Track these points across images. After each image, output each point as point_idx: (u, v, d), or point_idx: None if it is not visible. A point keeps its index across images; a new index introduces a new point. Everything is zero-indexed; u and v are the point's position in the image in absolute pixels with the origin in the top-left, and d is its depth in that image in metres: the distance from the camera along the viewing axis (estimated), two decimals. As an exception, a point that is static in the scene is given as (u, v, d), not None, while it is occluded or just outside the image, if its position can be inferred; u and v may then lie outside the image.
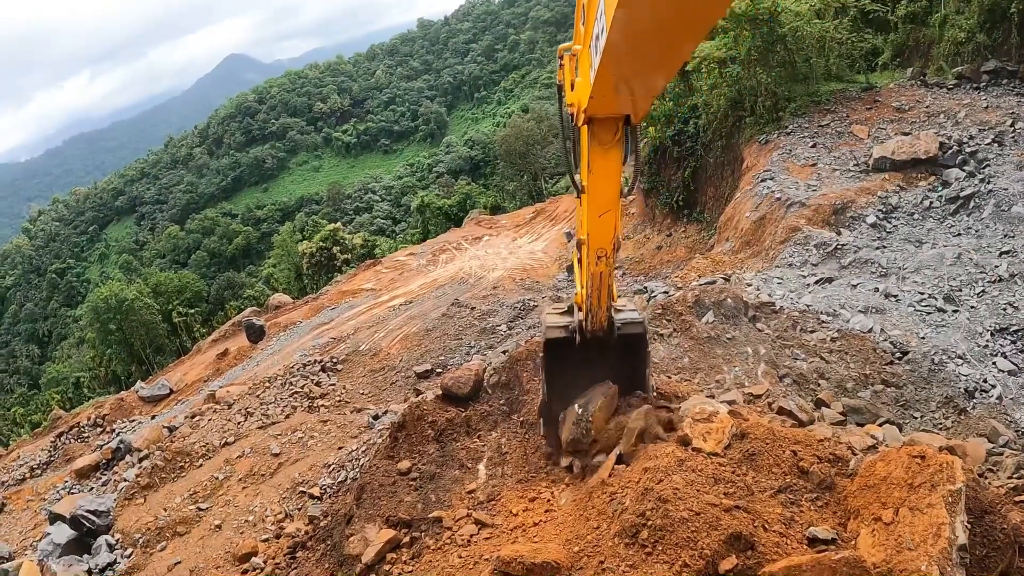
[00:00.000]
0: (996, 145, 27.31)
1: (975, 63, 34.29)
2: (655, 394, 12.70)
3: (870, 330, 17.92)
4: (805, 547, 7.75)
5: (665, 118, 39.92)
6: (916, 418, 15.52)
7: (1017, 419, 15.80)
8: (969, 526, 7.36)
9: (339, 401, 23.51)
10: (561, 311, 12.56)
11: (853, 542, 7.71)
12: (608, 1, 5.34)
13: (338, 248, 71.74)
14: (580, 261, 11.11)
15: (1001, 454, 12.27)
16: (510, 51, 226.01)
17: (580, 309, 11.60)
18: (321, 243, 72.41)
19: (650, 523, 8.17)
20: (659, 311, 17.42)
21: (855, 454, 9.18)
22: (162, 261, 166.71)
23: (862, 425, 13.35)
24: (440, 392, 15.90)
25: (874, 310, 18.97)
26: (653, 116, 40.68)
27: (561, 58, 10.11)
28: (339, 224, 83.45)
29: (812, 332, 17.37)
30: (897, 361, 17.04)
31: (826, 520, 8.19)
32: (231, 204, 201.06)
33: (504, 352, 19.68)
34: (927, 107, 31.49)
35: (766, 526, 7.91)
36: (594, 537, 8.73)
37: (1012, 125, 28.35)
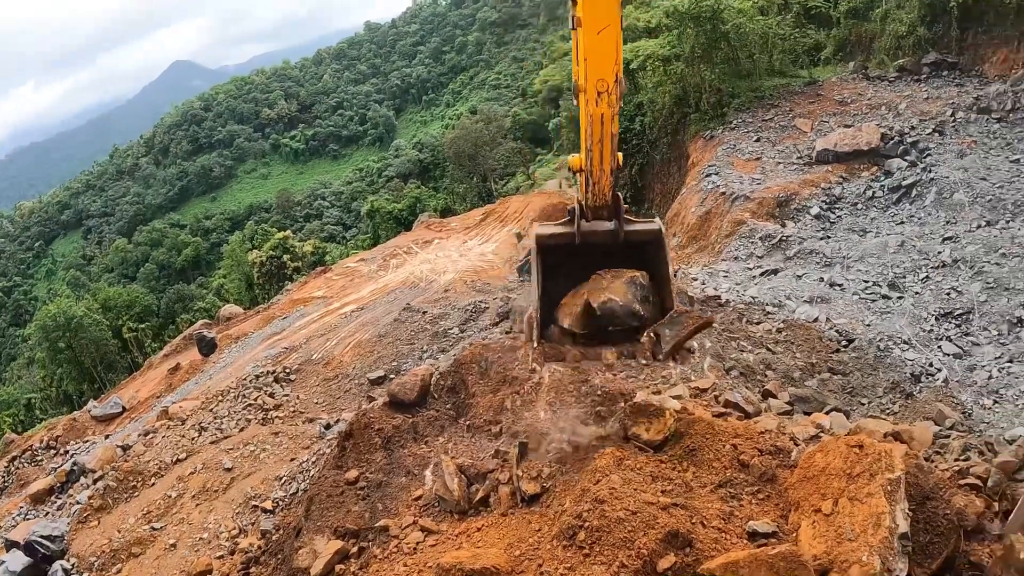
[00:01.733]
0: (937, 135, 27.77)
1: (916, 56, 34.96)
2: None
3: (816, 319, 18.02)
4: (745, 542, 7.66)
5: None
6: (863, 404, 15.60)
7: (963, 401, 15.99)
8: (911, 513, 7.29)
9: (293, 412, 23.07)
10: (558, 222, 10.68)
11: (795, 534, 7.63)
12: None
13: (288, 256, 70.93)
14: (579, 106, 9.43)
15: (948, 437, 12.31)
16: (458, 53, 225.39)
17: (579, 188, 9.87)
18: (271, 252, 71.57)
19: (587, 524, 8.04)
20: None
21: (797, 444, 9.13)
22: (110, 276, 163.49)
23: (809, 414, 13.32)
24: (387, 399, 15.77)
25: (819, 299, 19.10)
26: (598, 114, 40.66)
27: None
28: (289, 232, 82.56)
29: (758, 324, 17.39)
30: (843, 349, 17.15)
31: (767, 513, 8.10)
32: (179, 215, 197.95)
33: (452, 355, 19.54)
34: (869, 99, 31.96)
35: (705, 522, 7.82)
36: (535, 540, 8.59)
37: (952, 115, 28.82)
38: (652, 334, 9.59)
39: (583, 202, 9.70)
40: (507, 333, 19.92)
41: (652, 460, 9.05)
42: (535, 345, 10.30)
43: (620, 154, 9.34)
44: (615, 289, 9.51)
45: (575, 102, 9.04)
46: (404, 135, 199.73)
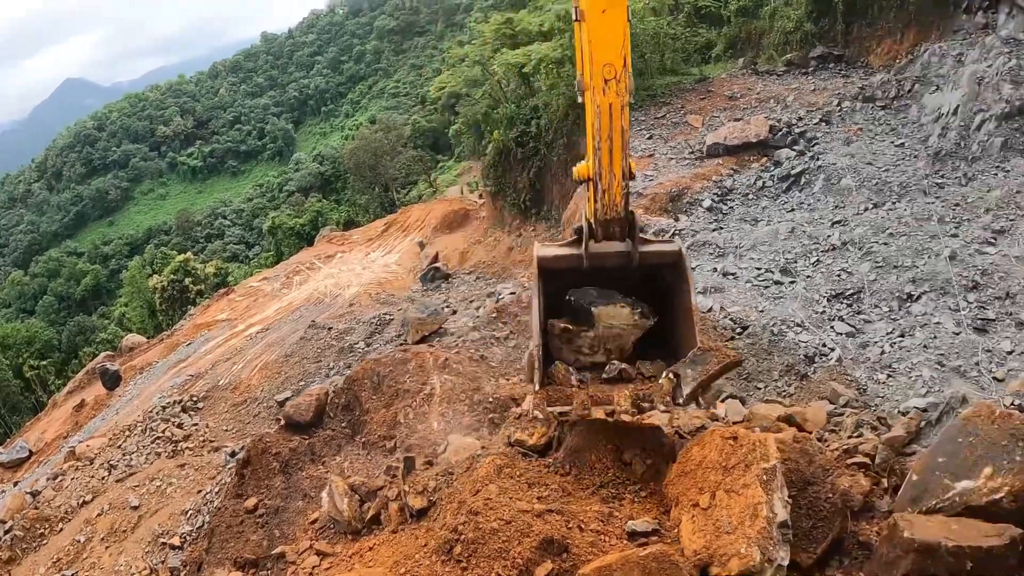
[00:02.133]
0: (824, 124, 28.53)
1: (803, 50, 36.07)
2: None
3: (710, 309, 18.16)
4: (625, 542, 7.54)
5: (507, 120, 40.25)
6: (760, 389, 15.76)
7: (858, 378, 16.30)
8: (790, 500, 7.23)
9: (203, 441, 22.59)
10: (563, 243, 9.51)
11: (676, 530, 7.54)
12: None
13: (190, 279, 69.11)
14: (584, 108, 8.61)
15: (842, 414, 12.51)
16: (356, 62, 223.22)
17: (586, 201, 8.78)
18: (172, 276, 69.64)
19: (463, 537, 7.85)
20: (494, 315, 17.29)
21: (682, 437, 9.04)
22: (8, 311, 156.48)
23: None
24: (284, 421, 15.75)
25: (713, 289, 19.29)
26: (495, 119, 41.09)
27: None
28: (189, 254, 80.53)
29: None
30: (738, 336, 17.32)
31: (649, 511, 8.00)
32: (76, 242, 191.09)
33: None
34: (758, 94, 32.74)
35: (582, 526, 7.68)
36: (420, 556, 8.36)
37: (838, 104, 29.65)
38: (672, 375, 9.02)
39: (591, 218, 8.68)
40: (399, 346, 19.73)
41: (534, 466, 8.86)
42: (536, 388, 9.40)
43: (632, 161, 8.50)
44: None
45: (580, 99, 8.45)
46: (304, 148, 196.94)
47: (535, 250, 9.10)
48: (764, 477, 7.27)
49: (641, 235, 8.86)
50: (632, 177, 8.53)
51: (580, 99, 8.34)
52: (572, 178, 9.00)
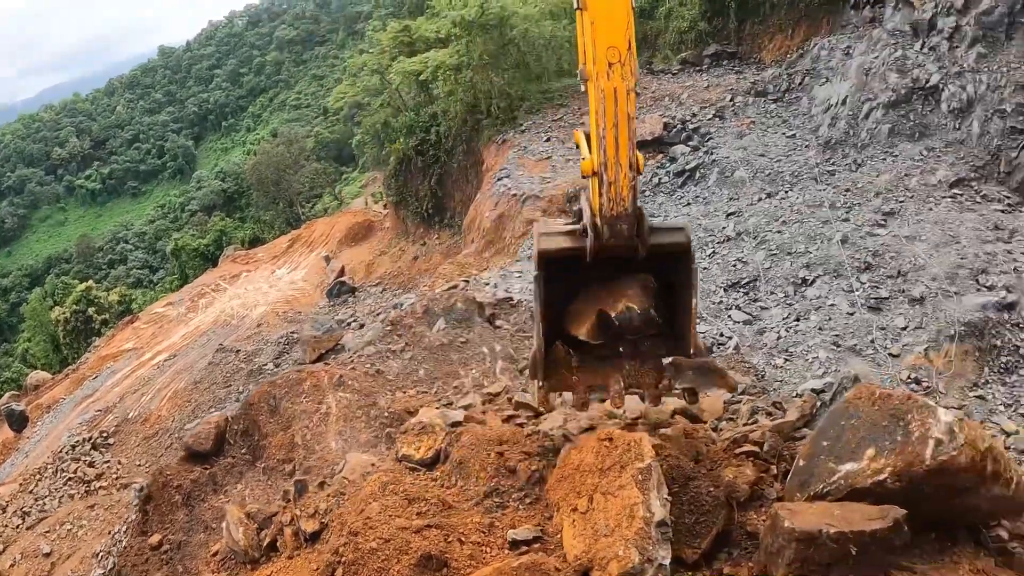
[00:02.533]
0: (717, 119, 29.13)
1: (698, 49, 36.90)
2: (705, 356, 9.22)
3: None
4: (506, 552, 7.42)
5: (407, 129, 40.14)
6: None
7: (756, 364, 16.61)
8: (670, 499, 7.19)
9: (116, 479, 22.13)
10: (566, 223, 8.85)
11: (558, 536, 7.44)
12: None
13: (94, 309, 66.90)
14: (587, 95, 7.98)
15: (739, 402, 12.54)
16: (256, 74, 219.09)
17: (588, 200, 8.05)
18: (75, 306, 67.33)
19: (343, 559, 7.64)
20: (389, 327, 17.12)
21: (570, 440, 8.95)
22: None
23: (604, 401, 13.33)
24: (184, 452, 15.39)
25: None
26: (395, 128, 40.97)
27: None
28: (91, 282, 78.08)
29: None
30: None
31: (533, 518, 7.89)
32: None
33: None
34: (653, 92, 33.30)
35: (462, 539, 7.52)
36: (310, 580, 8.14)
37: (731, 100, 30.32)
38: (672, 367, 8.68)
39: (596, 216, 7.88)
40: (295, 366, 19.42)
41: (420, 480, 8.69)
42: (540, 384, 8.88)
43: (640, 156, 7.85)
44: (632, 296, 8.23)
45: (583, 88, 7.87)
46: (205, 165, 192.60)
47: (536, 234, 8.42)
48: (639, 477, 7.20)
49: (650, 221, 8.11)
50: (640, 171, 7.90)
51: (583, 88, 7.84)
52: (581, 175, 8.12)
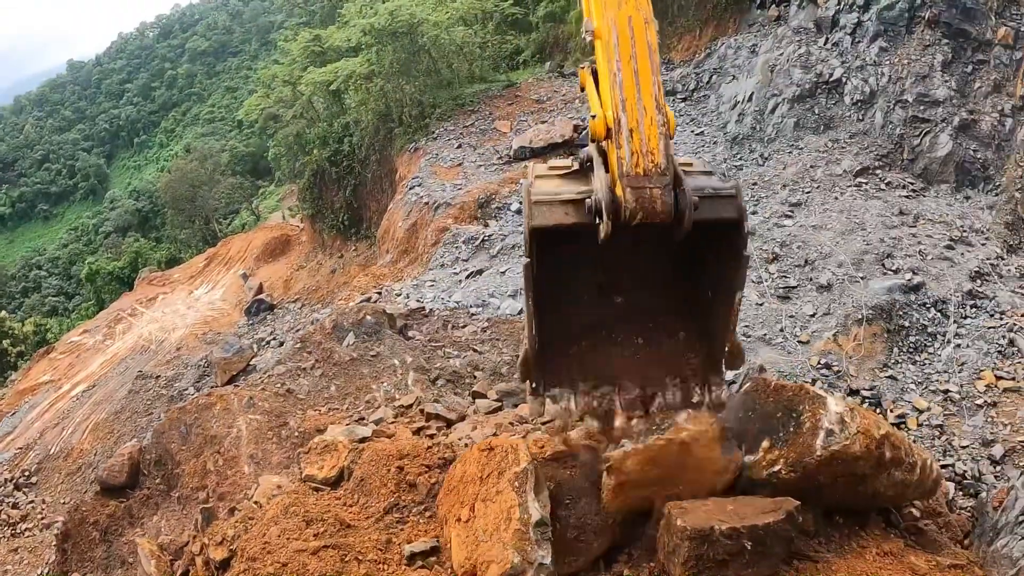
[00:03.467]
0: (622, 117, 29.33)
1: (607, 51, 37.08)
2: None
3: (520, 312, 18.22)
4: (404, 567, 7.41)
5: (320, 140, 39.79)
6: (578, 384, 15.86)
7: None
8: (547, 503, 7.19)
9: (42, 519, 21.58)
10: (564, 173, 6.79)
11: (447, 549, 7.46)
12: None
13: (8, 341, 64.45)
14: (593, 75, 6.84)
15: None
16: (168, 88, 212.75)
17: (603, 160, 6.21)
18: (-12, 339, 65.03)
19: None
20: (299, 345, 16.93)
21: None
22: None
23: (516, 406, 13.31)
24: (99, 487, 15.36)
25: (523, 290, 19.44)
26: (308, 139, 40.58)
27: None
28: (4, 313, 75.25)
29: (464, 327, 17.43)
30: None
31: (432, 531, 7.89)
32: None
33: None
34: (563, 96, 33.69)
35: (359, 557, 7.47)
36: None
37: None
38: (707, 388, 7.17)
39: (614, 182, 5.89)
40: (207, 389, 19.10)
41: (322, 500, 8.57)
42: (533, 387, 7.20)
43: (671, 112, 6.14)
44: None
45: (586, 39, 6.60)
46: (118, 184, 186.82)
47: (528, 197, 6.29)
48: (516, 482, 7.18)
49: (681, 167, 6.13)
50: (670, 120, 6.06)
51: (588, 39, 6.59)
52: (591, 141, 6.46)
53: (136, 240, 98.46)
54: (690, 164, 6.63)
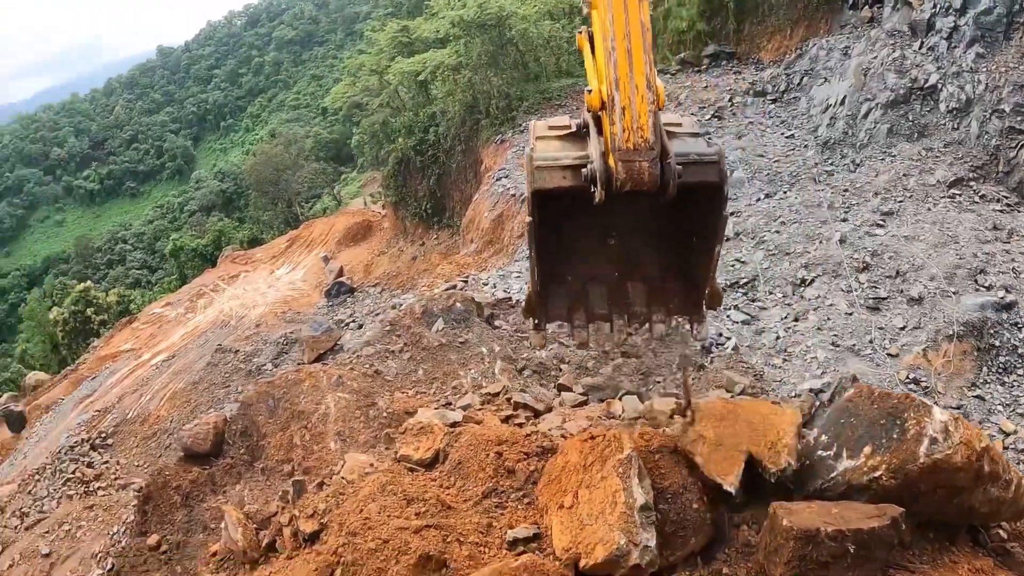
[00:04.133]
0: (716, 119, 29.12)
1: (696, 49, 36.75)
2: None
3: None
4: (505, 552, 7.44)
5: (406, 129, 40.16)
6: (658, 383, 15.81)
7: (754, 364, 16.69)
8: (652, 489, 7.22)
9: (115, 479, 21.95)
10: (564, 133, 7.21)
11: (549, 535, 7.50)
12: None
13: (92, 310, 66.49)
14: (590, 39, 7.21)
15: (736, 403, 12.58)
16: (255, 74, 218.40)
17: (599, 126, 6.70)
18: (73, 307, 66.93)
19: (343, 559, 7.63)
20: (388, 328, 17.11)
21: (567, 439, 8.99)
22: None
23: (603, 401, 13.34)
24: (182, 453, 15.46)
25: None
26: (394, 128, 40.99)
27: None
28: (90, 283, 77.47)
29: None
30: (634, 332, 17.36)
31: (531, 517, 7.92)
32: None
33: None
34: (649, 95, 33.19)
35: (461, 539, 7.54)
36: (309, 581, 8.13)
37: (730, 100, 30.32)
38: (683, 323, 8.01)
39: (607, 153, 6.49)
40: (296, 367, 19.39)
41: (418, 480, 8.69)
42: (536, 322, 8.02)
43: (661, 85, 6.57)
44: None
45: (585, 11, 7.03)
46: (204, 165, 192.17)
47: (530, 162, 6.84)
48: (620, 468, 7.24)
49: (666, 125, 6.74)
50: (661, 96, 6.52)
51: (586, 11, 6.99)
52: (586, 109, 6.83)
53: (220, 219, 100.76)
54: (679, 124, 7.15)
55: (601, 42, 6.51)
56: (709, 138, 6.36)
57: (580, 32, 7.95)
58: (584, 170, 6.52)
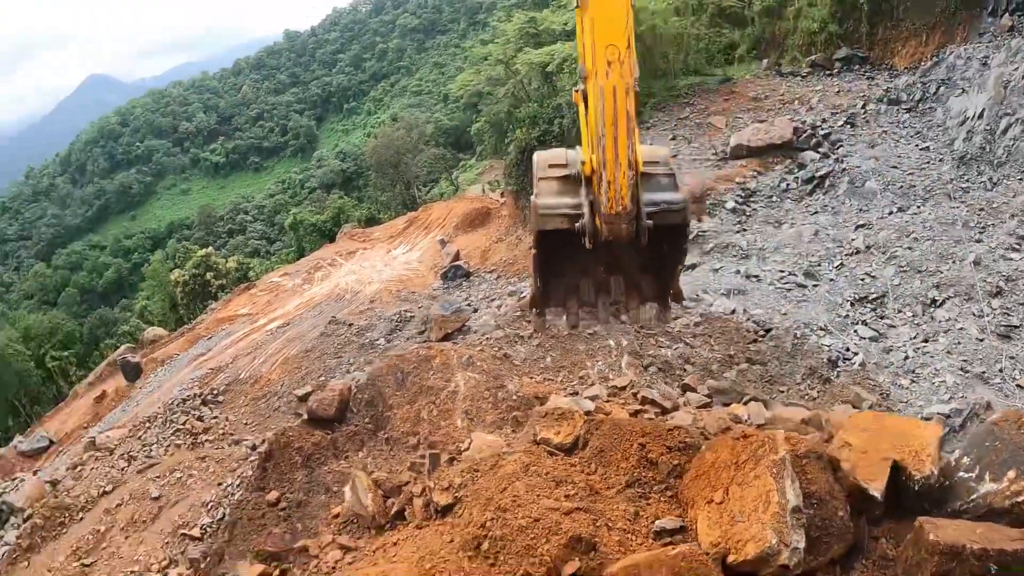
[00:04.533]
0: (848, 127, 28.44)
1: (828, 52, 35.88)
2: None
3: (733, 311, 18.18)
4: (651, 541, 7.59)
5: (530, 120, 40.26)
6: (782, 392, 15.73)
7: (881, 382, 16.31)
8: (801, 492, 7.29)
9: (223, 434, 22.56)
10: (561, 175, 8.75)
11: (693, 529, 7.64)
12: None
13: (212, 274, 68.79)
14: (584, 98, 8.03)
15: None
16: (378, 60, 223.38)
17: (589, 184, 8.18)
18: (194, 270, 69.36)
19: (491, 534, 7.88)
20: (518, 313, 17.32)
21: (707, 439, 9.10)
22: (30, 302, 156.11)
23: (728, 405, 13.40)
24: (306, 416, 15.89)
25: (736, 291, 19.29)
26: (518, 119, 41.10)
27: None
28: (211, 249, 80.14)
29: (676, 319, 17.44)
30: (760, 339, 17.31)
31: (675, 510, 8.06)
32: (99, 236, 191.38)
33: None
34: (782, 95, 32.63)
35: (609, 524, 7.71)
36: (446, 552, 8.37)
37: (863, 107, 29.55)
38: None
39: (596, 213, 8.15)
40: (423, 343, 19.72)
41: (560, 464, 8.91)
42: (537, 312, 9.69)
43: (640, 155, 8.06)
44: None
45: (581, 86, 7.95)
46: (326, 145, 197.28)
47: (535, 207, 8.57)
48: (774, 468, 7.37)
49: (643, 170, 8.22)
50: (639, 170, 7.96)
51: (582, 86, 7.90)
52: (579, 175, 8.31)
53: (340, 197, 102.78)
54: (656, 162, 8.58)
55: (592, 127, 7.78)
56: (680, 172, 7.40)
57: (576, 90, 8.61)
58: (577, 224, 8.19)
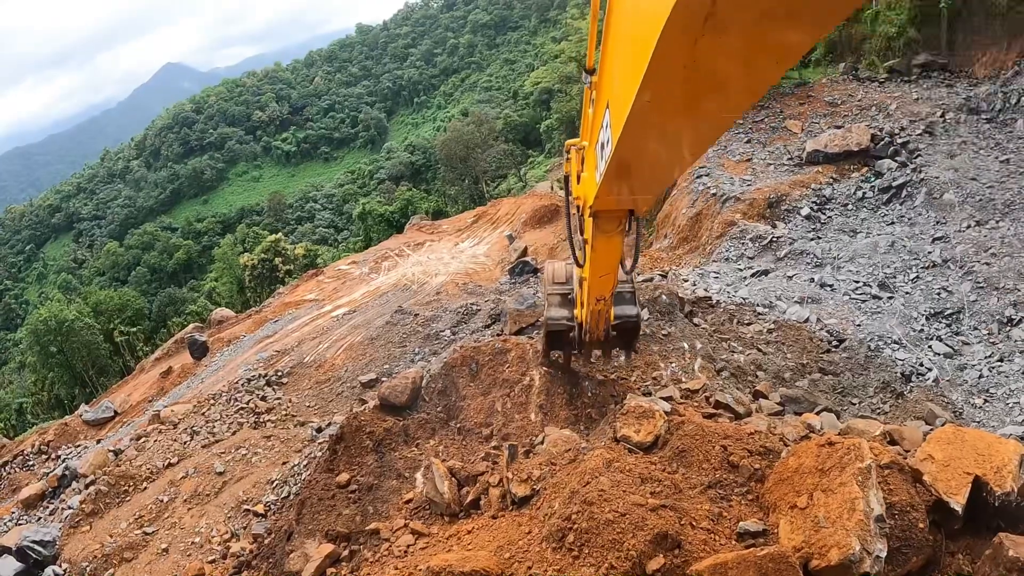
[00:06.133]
0: (927, 135, 27.87)
1: (906, 57, 35.13)
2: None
3: (806, 320, 18.09)
4: (734, 542, 7.68)
5: (603, 118, 40.05)
6: (854, 404, 15.62)
7: (954, 400, 16.08)
8: (885, 502, 7.35)
9: (285, 415, 23.02)
10: (562, 292, 13.33)
11: (774, 533, 7.69)
12: (614, 120, 5.13)
13: (280, 259, 70.32)
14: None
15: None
16: (449, 55, 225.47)
17: (579, 319, 12.36)
18: (263, 255, 70.99)
19: (576, 526, 8.00)
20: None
21: (787, 445, 9.13)
22: (102, 279, 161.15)
23: (800, 414, 13.38)
24: (378, 402, 15.89)
25: (810, 300, 19.17)
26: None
27: (568, 152, 9.40)
28: (280, 235, 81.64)
29: (749, 324, 17.43)
30: (834, 349, 17.20)
31: (756, 514, 8.13)
32: (170, 217, 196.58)
33: (441, 358, 19.50)
34: (859, 101, 32.10)
35: (694, 523, 7.81)
36: (525, 542, 8.53)
37: (942, 116, 28.94)
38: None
39: (582, 331, 12.64)
40: (498, 335, 19.80)
41: (642, 461, 9.03)
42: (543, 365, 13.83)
43: (617, 278, 10.94)
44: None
45: (590, 80, 7.42)
46: (396, 137, 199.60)
47: (546, 305, 13.59)
48: (860, 476, 7.43)
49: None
50: (608, 305, 11.90)
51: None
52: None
53: (408, 189, 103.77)
54: (626, 281, 12.77)
55: (585, 273, 10.50)
56: (636, 291, 13.43)
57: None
58: (572, 334, 13.03)
